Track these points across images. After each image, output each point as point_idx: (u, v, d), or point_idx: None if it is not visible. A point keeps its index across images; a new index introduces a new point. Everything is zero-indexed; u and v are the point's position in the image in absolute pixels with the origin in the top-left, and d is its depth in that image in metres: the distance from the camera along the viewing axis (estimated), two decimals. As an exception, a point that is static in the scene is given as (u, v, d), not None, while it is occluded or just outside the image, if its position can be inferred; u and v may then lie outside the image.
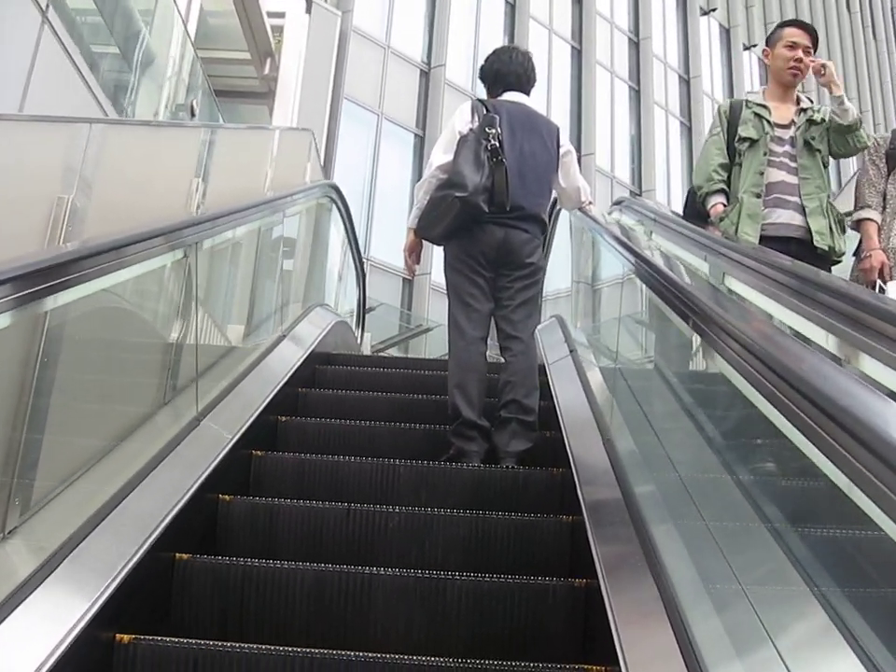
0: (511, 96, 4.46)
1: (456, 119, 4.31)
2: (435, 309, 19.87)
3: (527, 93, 4.55)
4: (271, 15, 8.75)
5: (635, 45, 29.07)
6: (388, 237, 20.92)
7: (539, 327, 6.00)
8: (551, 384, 4.25)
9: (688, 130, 29.94)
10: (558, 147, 4.47)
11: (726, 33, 33.08)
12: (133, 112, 5.62)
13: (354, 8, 21.14)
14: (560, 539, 3.00)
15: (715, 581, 1.97)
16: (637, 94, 28.49)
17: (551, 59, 26.12)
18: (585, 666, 2.30)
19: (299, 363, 4.38)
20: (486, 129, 4.14)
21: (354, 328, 7.38)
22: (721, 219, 4.29)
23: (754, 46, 33.88)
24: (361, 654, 2.28)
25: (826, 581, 1.50)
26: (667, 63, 30.06)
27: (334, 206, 5.95)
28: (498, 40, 24.87)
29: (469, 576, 2.65)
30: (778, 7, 35.41)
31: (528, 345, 4.18)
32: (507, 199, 4.09)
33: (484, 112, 4.25)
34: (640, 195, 27.15)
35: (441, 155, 4.24)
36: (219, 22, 9.17)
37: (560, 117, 25.77)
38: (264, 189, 4.75)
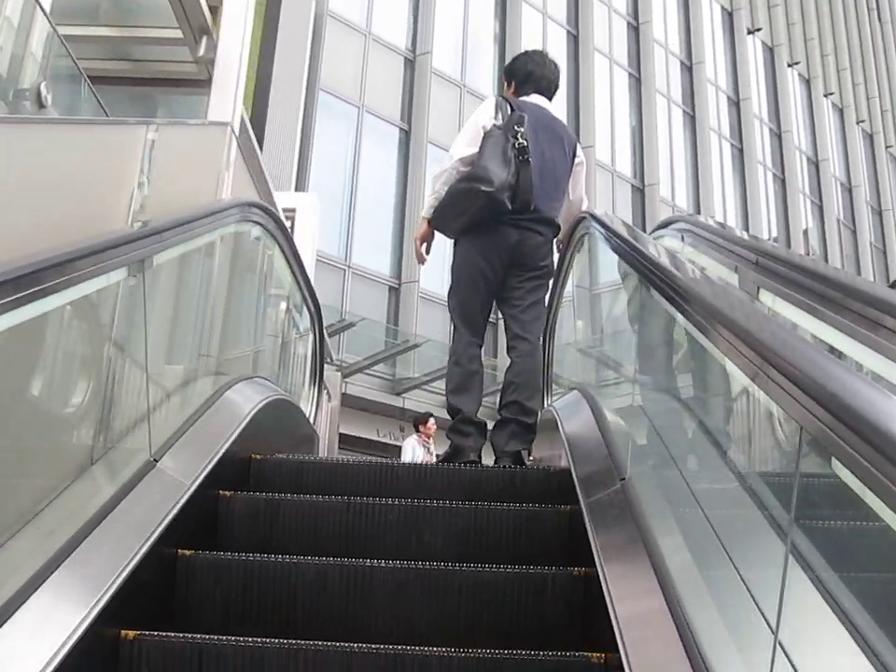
0: (536, 99, 4.48)
1: (480, 113, 4.28)
2: (424, 321, 18.11)
3: (551, 100, 4.58)
4: (206, -18, 7.13)
5: (634, 29, 27.30)
6: (372, 241, 19.15)
7: (558, 404, 4.30)
8: (597, 560, 2.46)
9: (691, 119, 28.20)
10: (574, 155, 4.50)
11: (729, 16, 31.32)
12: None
13: (330, -9, 19.36)
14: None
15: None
16: (637, 82, 26.72)
17: (545, 45, 24.29)
18: (586, 654, 2.24)
19: (168, 519, 2.60)
20: (515, 127, 4.12)
21: (307, 392, 5.57)
22: None
23: (758, 30, 32.19)
24: (364, 646, 2.24)
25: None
26: (669, 48, 28.30)
27: (264, 234, 4.18)
28: (489, 25, 23.15)
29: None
30: (782, -11, 33.66)
31: (535, 347, 4.24)
32: (532, 198, 4.08)
33: (509, 110, 4.24)
34: (643, 190, 25.45)
35: (463, 147, 4.20)
36: (143, -8, 7.49)
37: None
38: (127, 219, 2.98)
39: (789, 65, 33.10)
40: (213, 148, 3.99)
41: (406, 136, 20.24)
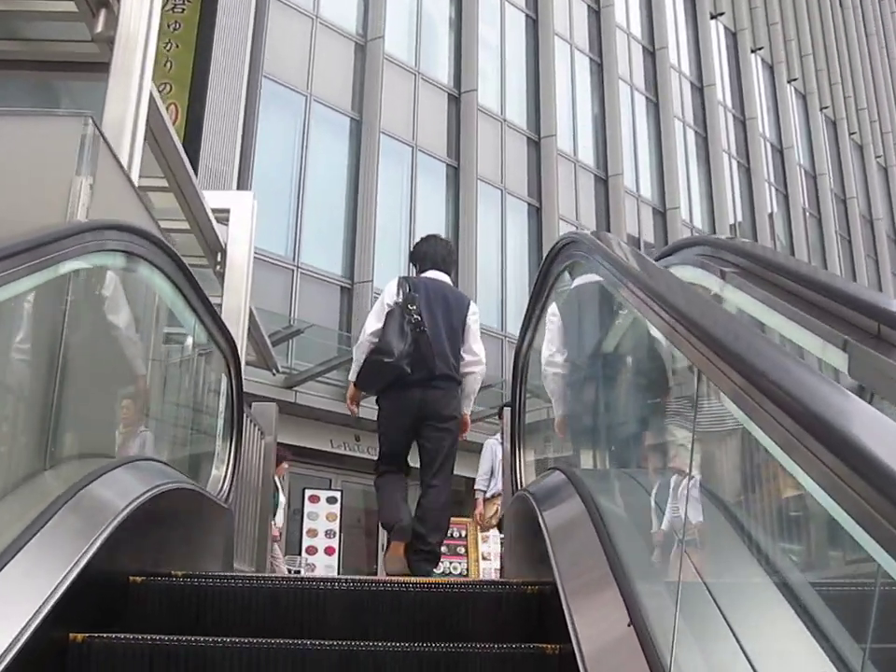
0: (433, 274, 5.36)
1: (385, 293, 5.19)
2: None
3: (448, 272, 5.45)
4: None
5: (595, 13, 26.24)
6: (322, 239, 17.98)
7: (533, 488, 3.26)
8: None
9: (655, 106, 27.25)
10: (466, 312, 5.28)
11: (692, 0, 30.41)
12: None
13: (273, -29, 18.07)
14: None
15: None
16: (599, 68, 25.70)
17: (504, 30, 23.25)
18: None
19: None
20: (409, 306, 5.03)
21: (220, 450, 4.41)
22: None
23: (721, 14, 31.33)
24: (317, 642, 2.26)
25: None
26: (631, 33, 27.29)
27: (141, 267, 3.05)
28: (444, 9, 22.00)
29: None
30: (743, -28, 32.79)
31: (441, 488, 5.05)
32: (434, 364, 4.97)
33: (407, 289, 5.14)
34: (606, 180, 24.46)
35: (374, 323, 5.08)
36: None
37: (515, 95, 22.98)
38: None
39: (752, 51, 32.30)
40: (60, 150, 2.86)
41: (357, 126, 19.04)
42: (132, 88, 5.74)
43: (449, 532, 15.56)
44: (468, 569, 15.62)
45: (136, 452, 3.47)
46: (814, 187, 33.52)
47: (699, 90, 29.38)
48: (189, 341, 3.94)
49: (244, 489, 5.59)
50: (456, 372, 5.11)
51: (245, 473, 5.90)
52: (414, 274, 5.49)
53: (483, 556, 15.86)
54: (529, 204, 22.44)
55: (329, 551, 15.11)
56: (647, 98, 27.20)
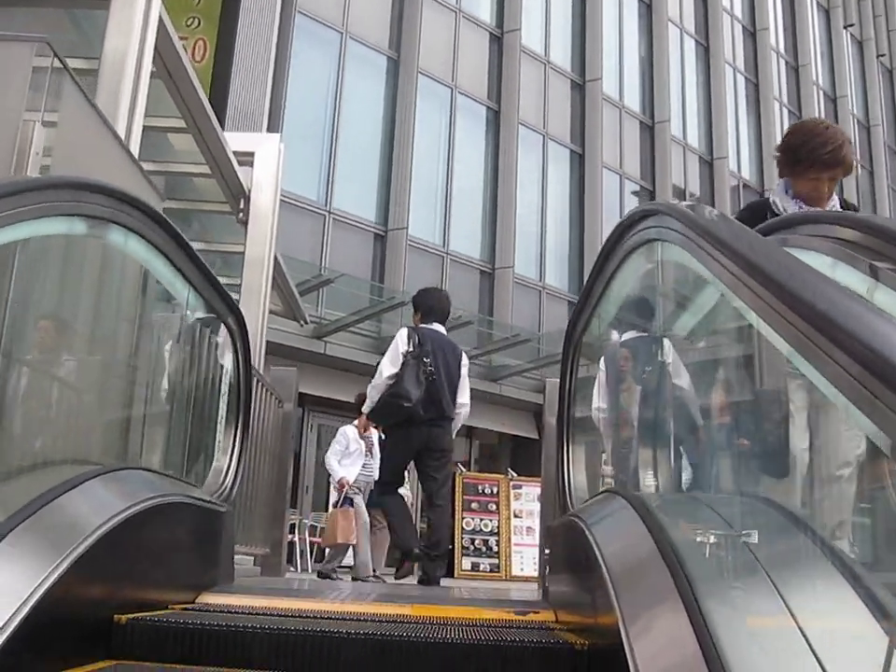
0: (436, 327, 6.42)
1: (399, 342, 6.18)
2: (414, 271, 16.40)
3: (444, 323, 6.54)
4: None
5: (646, -48, 25.09)
6: (356, 183, 17.29)
7: (587, 516, 2.65)
8: None
9: (705, 50, 26.12)
10: (460, 363, 6.39)
11: (746, -61, 29.06)
12: None
13: None
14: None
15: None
16: (648, 9, 24.60)
17: (550, -33, 22.23)
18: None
19: None
20: (424, 359, 6.07)
21: (222, 440, 3.80)
22: None
23: (777, -45, 29.96)
24: (353, 631, 2.34)
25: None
26: (682, -28, 26.12)
27: (110, 233, 2.44)
28: (488, -57, 21.02)
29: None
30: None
31: (444, 508, 6.36)
32: (442, 407, 6.16)
33: (417, 340, 6.17)
34: (652, 127, 23.51)
35: (390, 368, 6.09)
36: None
37: (560, 36, 22.03)
38: None
39: (808, -7, 30.96)
40: (5, 81, 2.25)
41: (395, 66, 18.24)
42: (136, 15, 5.10)
43: (481, 489, 15.19)
44: (499, 527, 15.17)
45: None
46: (867, 138, 32.26)
47: (752, 34, 28.17)
48: (183, 318, 3.33)
49: (258, 464, 5.06)
50: (452, 412, 6.25)
51: (260, 445, 5.36)
52: (416, 321, 6.44)
53: (514, 514, 15.39)
54: (572, 151, 21.60)
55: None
56: (697, 42, 26.09)
